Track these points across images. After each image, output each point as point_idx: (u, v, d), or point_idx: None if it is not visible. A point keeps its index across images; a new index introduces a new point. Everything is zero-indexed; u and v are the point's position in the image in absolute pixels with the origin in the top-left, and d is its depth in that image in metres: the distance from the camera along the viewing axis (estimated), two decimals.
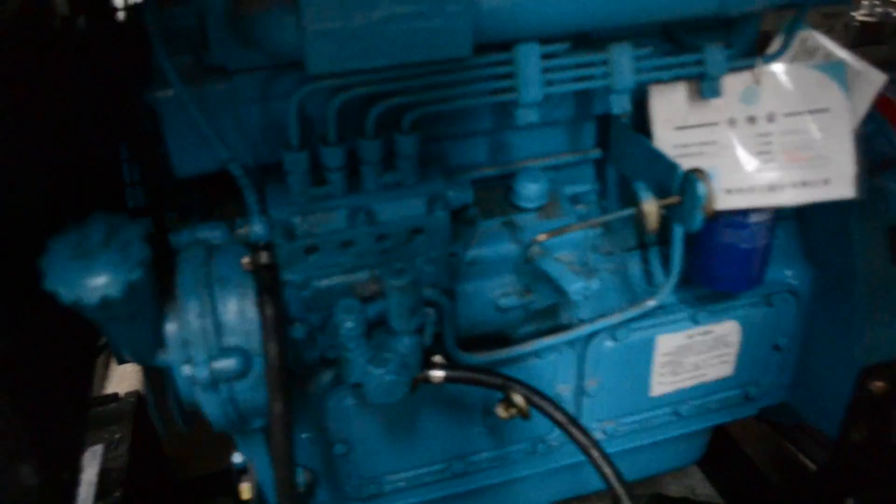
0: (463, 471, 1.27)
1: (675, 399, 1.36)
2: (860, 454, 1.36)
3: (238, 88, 0.99)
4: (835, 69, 1.08)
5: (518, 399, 1.03)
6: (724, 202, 1.10)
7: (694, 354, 1.31)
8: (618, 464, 1.42)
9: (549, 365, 1.23)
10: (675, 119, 1.09)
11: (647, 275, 1.25)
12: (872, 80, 1.09)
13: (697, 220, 1.00)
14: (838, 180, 1.09)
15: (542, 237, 1.02)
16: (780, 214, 1.34)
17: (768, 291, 1.32)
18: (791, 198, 1.10)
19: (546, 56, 0.99)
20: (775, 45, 1.09)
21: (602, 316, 1.20)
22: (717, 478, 1.73)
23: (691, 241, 1.18)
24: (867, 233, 1.26)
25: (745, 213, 1.13)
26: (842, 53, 1.09)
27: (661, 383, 1.32)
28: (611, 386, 1.29)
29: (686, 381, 1.34)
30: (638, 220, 1.03)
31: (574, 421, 1.04)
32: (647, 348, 1.28)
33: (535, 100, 0.99)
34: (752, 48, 1.12)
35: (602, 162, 1.23)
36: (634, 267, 1.26)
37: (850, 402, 1.32)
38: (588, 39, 1.04)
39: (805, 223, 1.34)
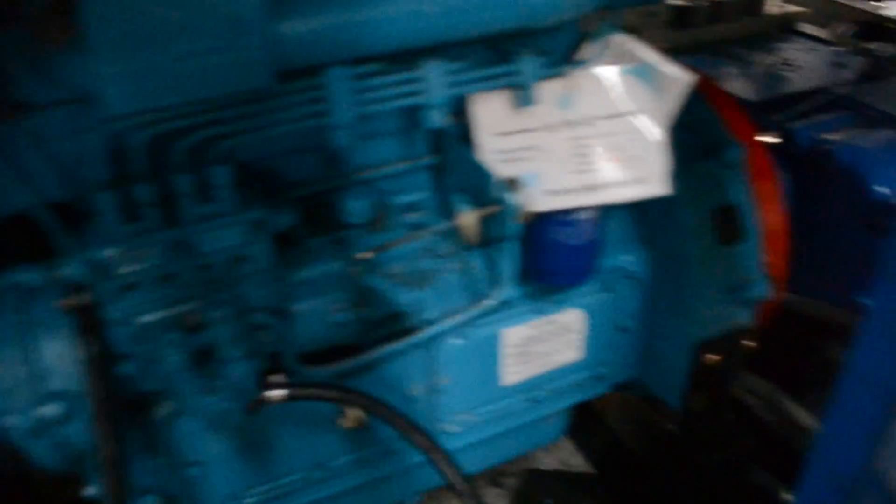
0: (323, 477, 1.30)
1: (529, 386, 1.41)
2: (703, 420, 1.46)
3: (46, 124, 0.97)
4: (645, 73, 1.13)
5: (355, 412, 1.06)
6: (546, 204, 1.14)
7: (541, 343, 1.37)
8: (483, 449, 1.49)
9: (400, 368, 1.26)
10: (496, 126, 1.13)
11: (491, 271, 1.29)
12: (681, 81, 1.14)
13: (512, 229, 1.04)
14: (652, 179, 1.15)
15: (365, 255, 1.04)
16: (616, 204, 1.41)
17: (608, 278, 1.39)
18: (609, 197, 1.15)
19: (357, 77, 1.00)
20: (587, 51, 1.13)
21: (446, 316, 1.24)
22: (586, 448, 1.82)
23: (527, 238, 1.23)
24: (694, 216, 1.34)
25: (570, 211, 1.18)
26: (652, 57, 1.14)
27: (513, 373, 1.38)
28: (463, 381, 1.33)
29: (536, 368, 1.39)
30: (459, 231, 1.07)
31: (414, 426, 1.08)
32: (494, 342, 1.33)
33: (348, 121, 1.00)
34: (570, 54, 1.16)
35: (440, 167, 1.26)
36: (478, 264, 1.30)
37: (688, 374, 1.41)
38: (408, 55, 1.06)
39: (640, 210, 1.41)
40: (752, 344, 1.43)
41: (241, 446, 1.19)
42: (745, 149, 1.36)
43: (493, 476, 1.78)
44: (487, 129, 1.13)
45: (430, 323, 1.24)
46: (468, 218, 1.04)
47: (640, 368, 1.52)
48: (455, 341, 1.29)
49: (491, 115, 1.12)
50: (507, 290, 1.22)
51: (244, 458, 1.21)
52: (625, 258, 1.40)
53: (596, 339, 1.42)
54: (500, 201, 1.03)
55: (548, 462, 1.82)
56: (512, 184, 1.03)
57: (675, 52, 1.31)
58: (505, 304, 1.31)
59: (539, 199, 1.13)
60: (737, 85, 1.82)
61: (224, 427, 0.99)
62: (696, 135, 1.38)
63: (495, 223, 1.07)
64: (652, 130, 1.14)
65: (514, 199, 1.01)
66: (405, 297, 1.05)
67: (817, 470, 1.01)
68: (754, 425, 1.72)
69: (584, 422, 1.81)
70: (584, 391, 1.49)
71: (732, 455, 1.48)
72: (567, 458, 1.83)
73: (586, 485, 1.77)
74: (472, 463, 1.49)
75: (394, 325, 1.23)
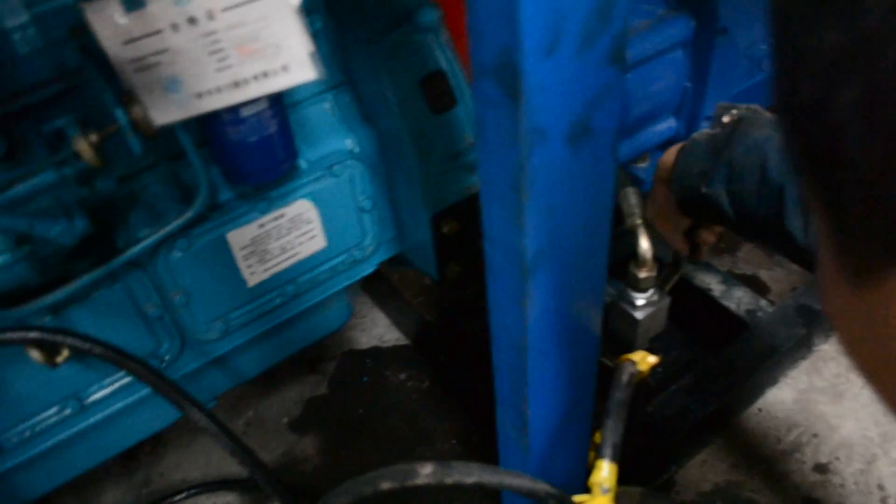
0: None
1: (278, 283, 1.41)
2: (458, 289, 1.47)
3: None
4: None
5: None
6: (195, 107, 1.08)
7: (276, 240, 1.36)
8: (258, 350, 1.51)
9: (119, 291, 1.25)
10: (119, 34, 1.05)
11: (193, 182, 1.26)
12: None
13: (136, 146, 1.00)
14: (295, 64, 1.09)
15: None
16: (333, 83, 1.35)
17: (329, 163, 1.35)
18: (256, 90, 1.09)
19: None
20: None
21: (153, 232, 1.21)
22: (397, 322, 1.85)
23: (211, 142, 1.20)
24: (399, 89, 1.28)
25: (236, 109, 1.13)
26: None
27: (254, 274, 1.37)
28: (200, 292, 1.33)
29: (280, 265, 1.39)
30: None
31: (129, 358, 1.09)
32: (221, 248, 1.31)
33: None
34: None
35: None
36: (188, 173, 1.26)
37: (434, 245, 1.41)
38: None
39: (356, 88, 1.36)
40: None
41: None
42: (439, 8, 1.28)
43: (311, 362, 1.82)
44: (111, 39, 1.05)
45: (138, 241, 1.21)
46: (81, 144, 0.99)
47: (401, 243, 1.52)
48: (175, 254, 1.27)
49: (109, 23, 1.04)
50: (203, 198, 1.19)
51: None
52: (348, 140, 1.36)
53: (336, 224, 1.41)
54: (114, 120, 0.98)
55: (364, 341, 1.85)
56: (129, 99, 0.98)
57: None
58: (221, 209, 1.29)
59: (187, 104, 1.08)
60: None
61: None
62: (386, 3, 1.30)
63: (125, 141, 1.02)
64: (282, 14, 1.06)
65: (123, 116, 0.96)
66: (56, 231, 1.03)
67: None
68: None
69: (392, 298, 1.83)
70: (344, 277, 1.49)
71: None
72: (383, 333, 1.86)
73: (401, 357, 1.81)
74: (250, 365, 1.52)
75: (107, 245, 1.21)
